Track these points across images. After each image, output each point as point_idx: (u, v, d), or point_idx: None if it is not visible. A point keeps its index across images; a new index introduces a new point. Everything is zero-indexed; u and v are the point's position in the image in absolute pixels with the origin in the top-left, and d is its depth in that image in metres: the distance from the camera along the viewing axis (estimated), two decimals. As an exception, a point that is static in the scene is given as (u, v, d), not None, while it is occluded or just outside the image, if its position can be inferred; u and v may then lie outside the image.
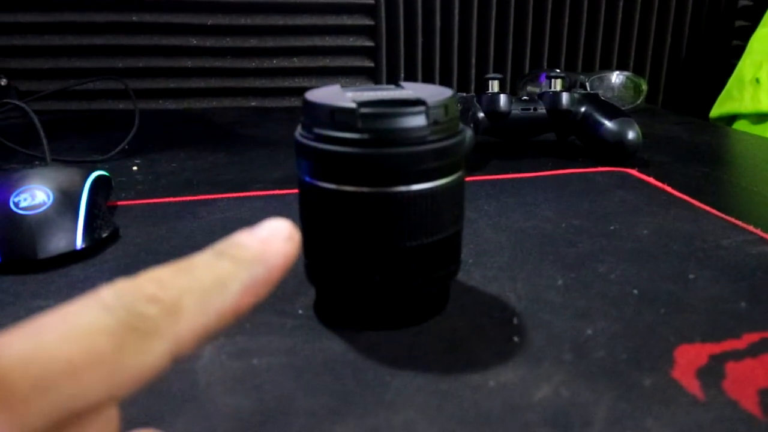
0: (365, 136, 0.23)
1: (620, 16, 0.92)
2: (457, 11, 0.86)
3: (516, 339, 0.25)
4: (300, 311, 0.27)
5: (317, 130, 0.24)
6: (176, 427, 0.20)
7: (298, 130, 0.25)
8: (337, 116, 0.23)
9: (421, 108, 0.23)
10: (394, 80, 0.86)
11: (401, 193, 0.23)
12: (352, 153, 0.23)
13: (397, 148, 0.23)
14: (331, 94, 0.25)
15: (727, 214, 0.38)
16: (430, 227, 0.24)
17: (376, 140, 0.23)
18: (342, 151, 0.23)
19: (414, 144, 0.23)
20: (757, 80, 0.81)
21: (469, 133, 0.49)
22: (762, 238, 0.34)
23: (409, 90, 0.25)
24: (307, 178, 0.25)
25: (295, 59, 0.84)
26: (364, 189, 0.23)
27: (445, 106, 0.24)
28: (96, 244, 0.34)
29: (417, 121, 0.23)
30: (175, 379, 0.22)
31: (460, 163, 0.25)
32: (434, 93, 0.24)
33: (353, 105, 0.23)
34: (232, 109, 0.82)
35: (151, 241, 0.35)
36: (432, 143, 0.23)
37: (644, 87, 0.77)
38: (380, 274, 0.24)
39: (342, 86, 0.26)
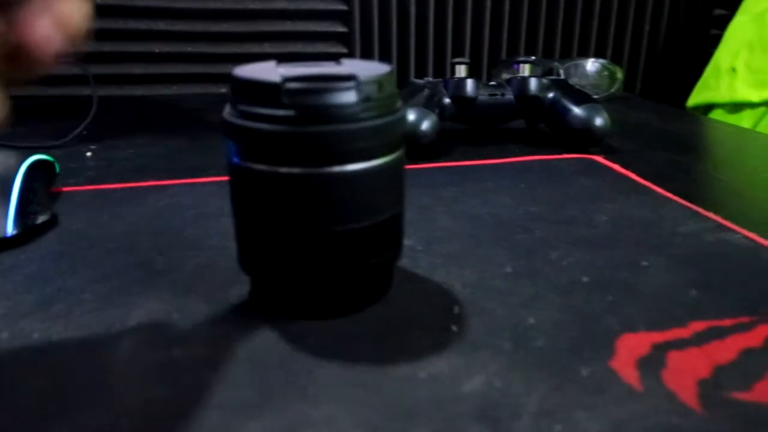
0: (291, 112, 0.21)
1: (598, 3, 0.91)
2: (432, -3, 0.85)
3: (454, 328, 0.24)
4: (233, 301, 0.26)
5: (243, 107, 0.22)
6: (80, 419, 0.19)
7: (226, 109, 0.24)
8: (262, 92, 0.22)
9: (351, 83, 0.22)
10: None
11: (330, 174, 0.22)
12: (277, 131, 0.21)
13: (325, 126, 0.21)
14: (261, 70, 0.23)
15: (689, 201, 0.37)
16: (364, 211, 0.23)
17: (303, 117, 0.21)
18: (267, 129, 0.22)
19: (344, 121, 0.22)
20: (734, 69, 0.81)
21: (433, 118, 0.47)
22: (720, 225, 0.34)
23: (347, 66, 0.24)
24: (235, 159, 0.23)
25: (266, 45, 0.82)
26: (292, 170, 0.22)
27: (378, 82, 0.22)
28: (29, 231, 0.32)
29: (347, 97, 0.22)
30: (87, 369, 0.21)
31: (398, 144, 0.24)
32: (370, 69, 0.23)
33: (278, 80, 0.21)
34: (201, 96, 0.80)
35: (90, 227, 0.34)
36: (364, 121, 0.22)
37: (620, 75, 0.76)
38: (311, 260, 0.23)
39: (277, 62, 0.25)
